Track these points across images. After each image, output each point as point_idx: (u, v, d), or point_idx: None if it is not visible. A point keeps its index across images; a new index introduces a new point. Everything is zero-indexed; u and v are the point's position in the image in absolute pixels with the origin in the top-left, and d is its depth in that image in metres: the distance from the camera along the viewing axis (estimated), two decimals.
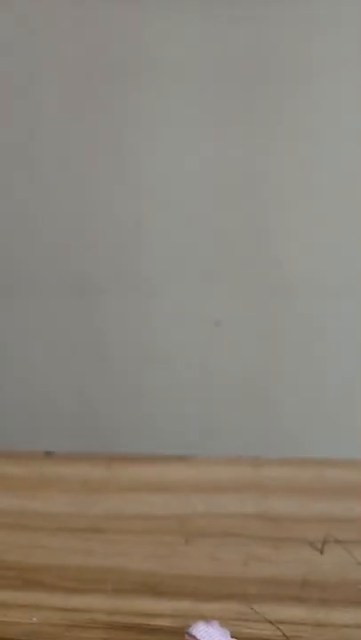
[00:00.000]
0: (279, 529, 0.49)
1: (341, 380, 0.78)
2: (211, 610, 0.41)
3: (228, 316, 0.78)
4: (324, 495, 0.53)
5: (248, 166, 0.76)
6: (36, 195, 0.78)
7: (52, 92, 0.76)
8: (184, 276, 0.78)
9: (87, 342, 0.80)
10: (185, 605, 0.42)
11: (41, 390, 0.80)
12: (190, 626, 0.37)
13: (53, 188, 0.78)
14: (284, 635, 0.39)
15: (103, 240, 0.79)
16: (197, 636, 0.36)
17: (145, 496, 0.53)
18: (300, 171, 0.76)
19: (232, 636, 0.37)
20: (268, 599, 0.42)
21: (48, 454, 0.58)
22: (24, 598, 0.42)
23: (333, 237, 0.77)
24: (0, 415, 0.79)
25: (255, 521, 0.50)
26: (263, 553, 0.46)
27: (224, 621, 0.38)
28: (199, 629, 0.37)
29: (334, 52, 0.73)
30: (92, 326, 0.80)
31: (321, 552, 0.46)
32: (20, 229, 0.79)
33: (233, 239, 0.77)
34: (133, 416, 0.80)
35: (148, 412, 0.79)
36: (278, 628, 0.39)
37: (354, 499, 0.51)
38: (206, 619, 0.38)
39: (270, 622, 0.40)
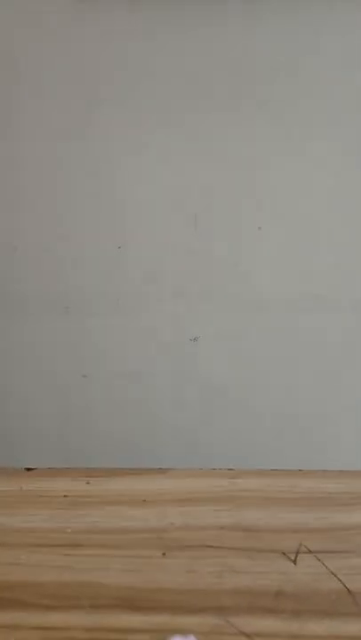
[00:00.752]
0: (254, 540, 0.47)
1: (312, 391, 0.77)
2: (187, 623, 0.39)
3: (204, 332, 0.77)
4: (297, 506, 0.51)
5: (224, 191, 0.76)
6: (22, 223, 0.77)
7: (34, 119, 0.74)
8: (162, 295, 0.77)
9: (69, 359, 0.79)
10: (162, 619, 0.40)
11: (23, 406, 0.79)
12: None
13: (39, 217, 0.77)
14: None
15: (86, 263, 0.78)
16: None
17: (123, 510, 0.52)
18: (273, 196, 0.76)
19: None
20: (244, 611, 0.40)
21: (28, 470, 0.57)
22: (2, 618, 0.40)
23: (301, 260, 0.76)
24: None
25: (230, 532, 0.48)
26: (238, 564, 0.45)
27: (200, 635, 0.37)
28: None
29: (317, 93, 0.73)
30: (75, 345, 0.79)
31: (294, 562, 0.44)
32: (7, 254, 0.78)
33: (209, 261, 0.77)
34: (114, 430, 0.78)
35: (127, 426, 0.77)
36: None
37: (326, 509, 0.50)
38: (184, 633, 0.37)
39: (246, 635, 0.38)
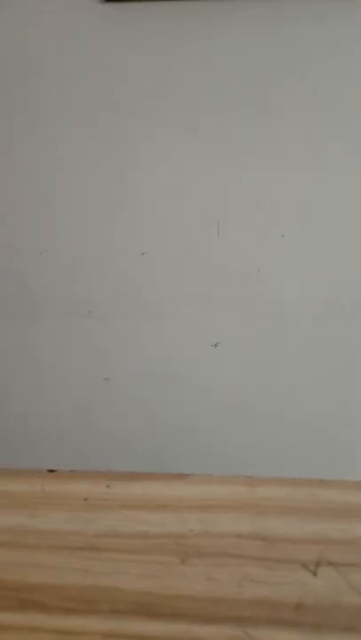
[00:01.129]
0: (273, 550, 0.46)
1: (333, 399, 0.75)
2: (205, 633, 0.38)
3: (224, 337, 0.76)
4: (317, 516, 0.50)
5: (245, 201, 0.75)
6: (48, 228, 0.77)
7: (57, 126, 0.74)
8: (183, 301, 0.76)
9: (92, 363, 0.78)
10: (179, 627, 0.39)
11: (46, 408, 0.78)
12: None
13: (65, 223, 0.77)
14: None
15: (110, 269, 0.77)
16: None
17: (142, 514, 0.50)
18: (294, 208, 0.75)
19: None
20: (263, 623, 0.39)
21: (50, 472, 0.56)
22: (22, 619, 0.39)
23: (316, 270, 0.75)
24: (3, 433, 0.77)
25: (250, 541, 0.47)
26: (258, 574, 0.43)
27: None
28: None
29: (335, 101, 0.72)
30: (97, 348, 0.78)
31: (314, 574, 0.43)
32: (33, 258, 0.77)
33: (229, 269, 0.76)
34: (134, 434, 0.77)
35: (148, 430, 0.76)
36: None
37: (347, 520, 0.48)
38: None
39: None
